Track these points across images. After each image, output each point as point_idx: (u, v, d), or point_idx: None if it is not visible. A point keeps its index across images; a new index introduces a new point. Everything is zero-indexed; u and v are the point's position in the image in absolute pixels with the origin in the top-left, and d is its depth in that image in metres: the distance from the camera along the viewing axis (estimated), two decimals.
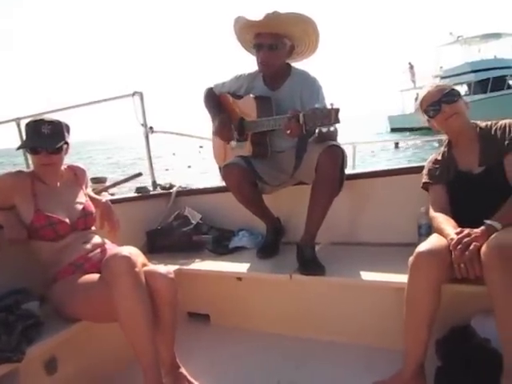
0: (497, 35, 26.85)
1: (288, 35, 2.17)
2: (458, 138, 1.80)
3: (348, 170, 2.18)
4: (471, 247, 1.43)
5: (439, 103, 1.75)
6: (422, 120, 1.88)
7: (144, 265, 1.72)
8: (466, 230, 1.48)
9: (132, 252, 1.64)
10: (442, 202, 1.77)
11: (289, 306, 2.16)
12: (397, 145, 18.80)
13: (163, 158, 21.43)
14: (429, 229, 2.03)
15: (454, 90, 1.77)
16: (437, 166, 1.86)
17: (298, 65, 2.36)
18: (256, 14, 2.12)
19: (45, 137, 1.79)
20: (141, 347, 1.54)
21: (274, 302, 2.20)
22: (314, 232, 2.07)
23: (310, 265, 2.00)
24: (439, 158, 1.87)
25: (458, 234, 1.49)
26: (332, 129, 1.90)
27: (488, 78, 23.88)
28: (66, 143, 1.87)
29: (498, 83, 23.68)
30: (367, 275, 1.88)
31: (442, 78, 27.34)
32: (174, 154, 25.81)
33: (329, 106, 1.80)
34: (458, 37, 27.61)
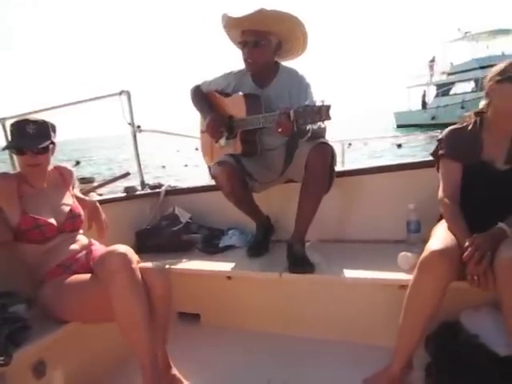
0: (505, 31, 26.29)
1: (273, 32, 2.15)
2: (498, 125, 1.64)
3: (337, 168, 2.18)
4: (484, 260, 1.39)
5: None
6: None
7: (138, 262, 1.71)
8: (476, 241, 1.42)
9: (127, 249, 1.65)
10: (455, 182, 1.67)
11: (279, 305, 2.16)
12: (399, 146, 17.12)
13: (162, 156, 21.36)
14: (418, 225, 2.04)
15: None
16: (460, 140, 1.70)
17: (291, 62, 2.35)
18: (243, 11, 2.11)
19: (30, 137, 1.77)
20: (139, 345, 1.53)
21: (265, 301, 2.20)
22: (304, 230, 2.07)
23: (299, 263, 2.00)
24: (465, 132, 1.71)
25: (470, 244, 1.43)
26: (323, 126, 1.88)
27: None
28: (52, 143, 1.84)
29: None
30: (356, 273, 1.89)
31: (449, 74, 26.95)
32: (178, 150, 25.32)
33: (319, 103, 1.79)
34: (466, 33, 27.12)
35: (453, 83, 26.70)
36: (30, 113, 2.98)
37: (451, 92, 26.83)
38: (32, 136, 1.77)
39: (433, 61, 28.61)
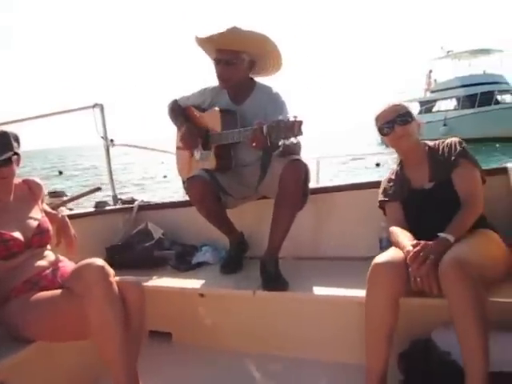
0: (486, 51, 27.26)
1: (246, 51, 2.18)
2: (408, 157, 1.89)
3: (312, 185, 2.19)
4: (428, 261, 1.46)
5: (393, 123, 1.81)
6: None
7: (114, 276, 1.67)
8: (422, 243, 1.52)
9: (104, 263, 1.61)
10: (397, 217, 1.85)
11: (253, 323, 2.13)
12: (377, 165, 16.12)
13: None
14: (389, 242, 2.06)
15: (408, 111, 1.83)
16: (391, 184, 1.94)
17: (265, 80, 2.37)
18: (216, 29, 2.12)
19: None
20: (114, 360, 1.50)
21: (238, 319, 2.17)
22: (277, 246, 2.06)
23: (273, 280, 1.99)
24: (393, 176, 1.95)
25: (414, 246, 1.53)
26: (295, 142, 1.90)
27: (476, 93, 23.94)
28: (16, 154, 1.78)
29: (486, 98, 23.59)
30: (330, 290, 1.89)
31: (433, 91, 27.67)
32: (162, 162, 24.87)
33: (292, 119, 1.81)
34: (448, 51, 28.07)
35: (435, 100, 27.27)
36: (5, 123, 2.89)
37: (434, 109, 27.29)
38: None
39: (429, 74, 29.14)
